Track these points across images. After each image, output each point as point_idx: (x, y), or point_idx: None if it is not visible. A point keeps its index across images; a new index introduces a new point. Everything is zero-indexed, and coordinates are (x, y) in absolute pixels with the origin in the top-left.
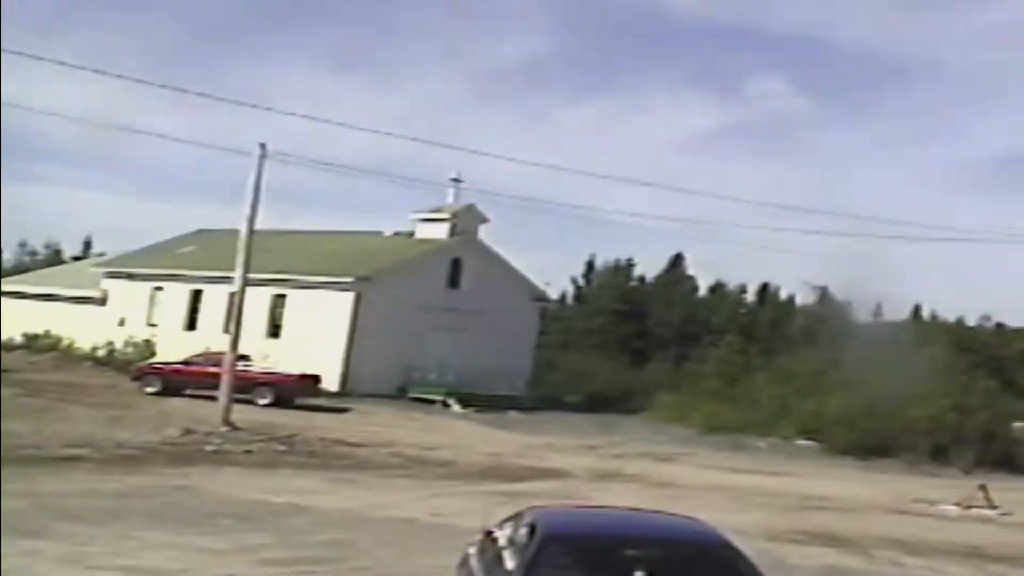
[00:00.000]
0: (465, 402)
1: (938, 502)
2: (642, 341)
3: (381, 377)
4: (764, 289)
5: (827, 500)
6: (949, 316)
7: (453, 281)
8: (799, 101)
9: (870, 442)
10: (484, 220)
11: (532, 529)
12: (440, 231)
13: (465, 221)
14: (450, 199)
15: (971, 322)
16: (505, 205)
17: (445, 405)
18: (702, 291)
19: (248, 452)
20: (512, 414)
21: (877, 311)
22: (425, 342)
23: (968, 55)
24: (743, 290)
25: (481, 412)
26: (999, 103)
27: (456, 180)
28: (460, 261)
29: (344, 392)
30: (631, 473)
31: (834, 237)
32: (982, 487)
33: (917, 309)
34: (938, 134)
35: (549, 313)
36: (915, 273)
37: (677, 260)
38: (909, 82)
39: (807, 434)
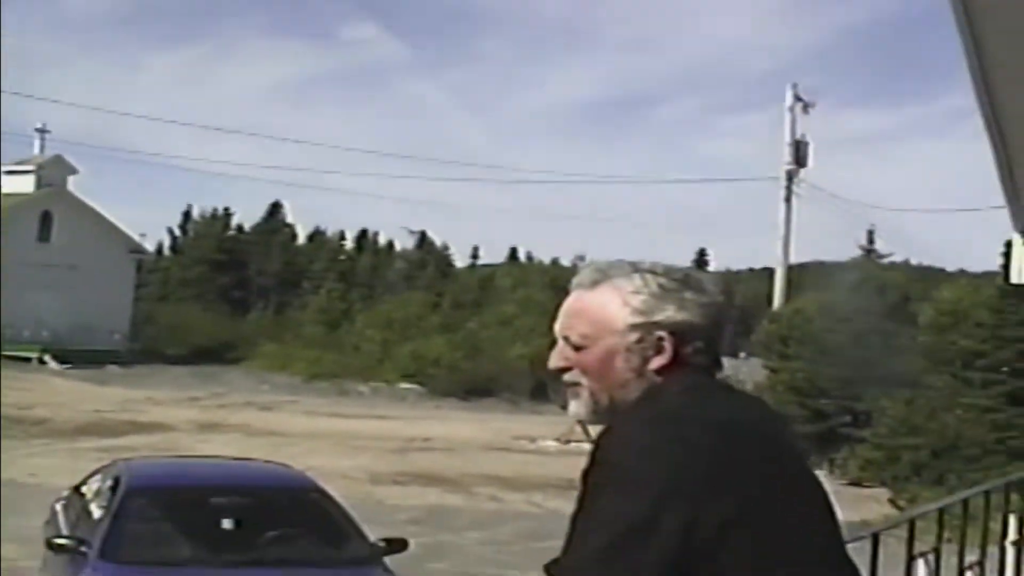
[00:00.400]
0: (62, 359)
1: (538, 438)
2: (242, 291)
3: None
4: (363, 235)
5: (430, 441)
6: (544, 257)
7: (43, 235)
8: (392, 48)
9: (472, 383)
10: (73, 171)
11: (117, 482)
12: (26, 184)
13: (52, 173)
14: (36, 151)
15: (566, 262)
16: (98, 156)
17: (41, 362)
18: (301, 239)
19: None
20: (112, 369)
21: (474, 254)
22: (17, 299)
23: (555, 6)
24: (342, 237)
25: (79, 368)
26: (584, 53)
27: (41, 130)
28: (50, 214)
29: None
30: (234, 424)
31: (430, 182)
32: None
33: (514, 251)
34: (529, 82)
35: (146, 265)
36: (511, 216)
37: (275, 209)
38: (497, 32)
39: (409, 377)
